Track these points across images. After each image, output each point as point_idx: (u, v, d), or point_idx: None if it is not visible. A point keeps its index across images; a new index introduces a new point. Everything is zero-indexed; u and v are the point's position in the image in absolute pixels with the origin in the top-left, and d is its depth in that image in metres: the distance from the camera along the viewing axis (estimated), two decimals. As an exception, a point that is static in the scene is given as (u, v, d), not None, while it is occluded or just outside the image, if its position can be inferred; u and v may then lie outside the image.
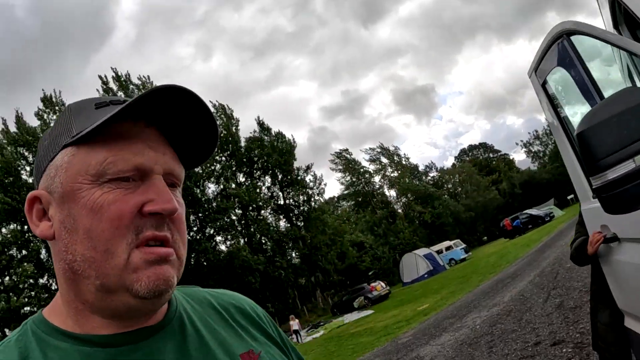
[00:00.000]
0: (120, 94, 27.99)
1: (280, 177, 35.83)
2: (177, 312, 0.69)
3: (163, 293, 0.59)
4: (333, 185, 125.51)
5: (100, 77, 28.55)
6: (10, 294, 21.15)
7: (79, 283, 0.59)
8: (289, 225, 35.47)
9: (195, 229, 30.35)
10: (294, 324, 20.44)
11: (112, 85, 28.44)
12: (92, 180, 0.59)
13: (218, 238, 32.30)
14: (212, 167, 31.96)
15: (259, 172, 35.55)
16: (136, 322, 0.62)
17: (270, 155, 34.44)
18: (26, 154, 24.98)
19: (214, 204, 31.04)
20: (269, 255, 32.42)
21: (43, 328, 0.61)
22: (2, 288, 21.38)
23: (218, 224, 31.01)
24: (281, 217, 36.08)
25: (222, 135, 31.97)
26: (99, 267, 0.57)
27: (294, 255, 35.65)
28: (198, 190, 30.16)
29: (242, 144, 34.12)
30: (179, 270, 0.63)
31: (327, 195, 50.56)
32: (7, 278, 22.04)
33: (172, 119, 0.63)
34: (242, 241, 32.55)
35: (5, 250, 22.32)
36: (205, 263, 29.22)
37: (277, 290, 31.74)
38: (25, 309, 21.46)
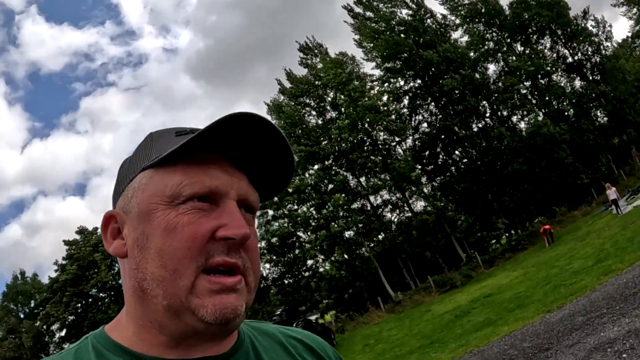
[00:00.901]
0: (369, 14, 31.84)
1: (559, 33, 33.12)
2: (244, 345, 0.72)
3: (230, 321, 0.61)
4: (621, 24, 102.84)
5: (344, 6, 31.64)
6: (331, 223, 26.69)
7: (148, 302, 0.62)
8: (584, 82, 32.95)
9: (487, 114, 31.50)
10: (611, 192, 18.97)
11: (358, 9, 31.99)
12: (168, 201, 0.62)
13: (514, 118, 32.47)
14: (485, 47, 32.64)
15: (535, 35, 33.42)
16: (202, 349, 0.65)
17: (539, 14, 32.06)
18: (307, 100, 30.30)
19: (500, 84, 31.20)
20: (571, 121, 30.97)
21: (103, 343, 0.65)
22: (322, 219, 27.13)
23: (509, 103, 30.88)
24: (574, 76, 33.62)
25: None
26: (166, 287, 0.61)
27: (598, 114, 33.32)
28: (477, 75, 30.96)
29: (507, 12, 32.90)
30: (248, 299, 0.65)
31: (617, 38, 42.62)
32: (324, 210, 27.53)
33: (247, 147, 0.66)
34: (540, 115, 31.88)
35: (319, 186, 28.16)
36: (504, 148, 29.65)
37: (588, 158, 30.29)
38: (347, 233, 27.25)
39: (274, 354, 0.75)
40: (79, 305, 29.80)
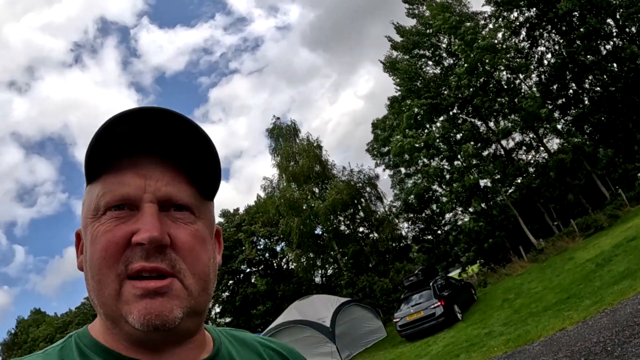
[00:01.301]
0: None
1: None
2: (221, 354, 0.74)
3: (159, 327, 0.61)
4: None
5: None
6: (465, 174, 26.28)
7: (97, 311, 0.66)
8: None
9: (614, 34, 28.70)
10: None
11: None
12: (93, 214, 0.65)
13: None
14: None
15: None
16: (173, 354, 0.67)
17: None
18: (421, 51, 29.46)
19: None
20: None
21: (85, 341, 0.67)
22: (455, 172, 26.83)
23: (637, 17, 27.61)
24: None
25: None
26: (98, 297, 0.63)
27: None
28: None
29: None
30: (190, 302, 0.64)
31: None
32: (456, 162, 27.16)
33: (167, 142, 0.66)
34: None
35: (447, 137, 27.58)
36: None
37: None
38: (482, 182, 26.72)
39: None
40: (230, 282, 31.18)
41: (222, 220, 33.56)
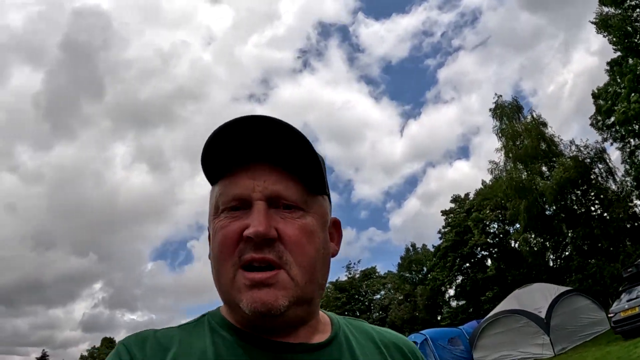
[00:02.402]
0: None
1: None
2: (339, 338, 0.80)
3: (265, 314, 0.69)
4: None
5: None
6: None
7: (220, 296, 0.77)
8: None
9: None
10: None
11: None
12: (214, 212, 0.76)
13: None
14: None
15: None
16: (285, 335, 0.76)
17: None
18: (634, 2, 25.76)
19: None
20: None
21: (216, 319, 0.78)
22: None
23: None
24: None
25: None
26: (218, 283, 0.75)
27: None
28: None
29: None
30: (296, 292, 0.71)
31: None
32: None
33: (273, 146, 0.73)
34: None
35: None
36: None
37: None
38: None
39: (367, 350, 0.83)
40: (463, 267, 32.04)
41: (453, 205, 34.56)
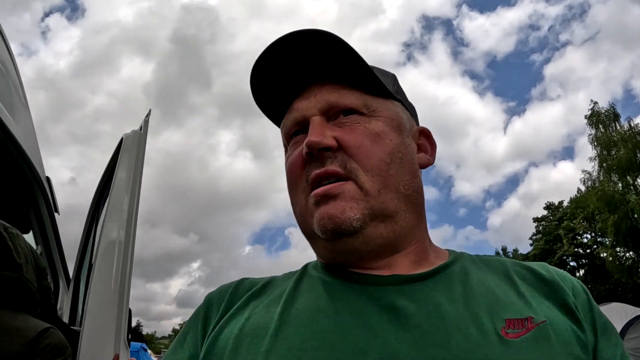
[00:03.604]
0: None
1: None
2: (450, 270, 0.67)
3: (336, 230, 0.62)
4: None
5: None
6: None
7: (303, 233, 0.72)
8: None
9: None
10: None
11: None
12: (285, 148, 0.74)
13: None
14: None
15: None
16: (376, 266, 0.66)
17: None
18: None
19: None
20: None
21: (312, 264, 0.74)
22: None
23: None
24: None
25: None
26: (297, 219, 0.70)
27: None
28: None
29: None
30: (368, 201, 0.63)
31: None
32: None
33: (314, 60, 0.68)
34: None
35: None
36: None
37: None
38: None
39: (488, 279, 0.66)
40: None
41: (545, 212, 34.04)
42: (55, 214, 2.60)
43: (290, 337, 0.58)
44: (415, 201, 0.68)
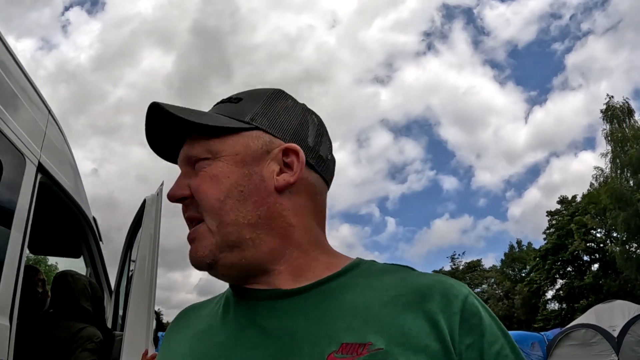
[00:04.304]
0: None
1: None
2: (328, 285, 0.71)
3: (198, 267, 0.72)
4: None
5: None
6: None
7: None
8: None
9: None
10: None
11: None
12: None
13: None
14: None
15: None
16: (260, 283, 0.73)
17: None
18: None
19: None
20: None
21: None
22: None
23: None
24: None
25: None
26: None
27: None
28: None
29: None
30: (214, 237, 0.70)
31: None
32: None
33: (174, 125, 0.74)
34: None
35: None
36: None
37: None
38: None
39: (363, 297, 0.67)
40: (564, 271, 31.79)
41: (559, 207, 34.31)
42: (100, 243, 3.49)
43: (183, 355, 0.72)
44: (269, 225, 0.71)
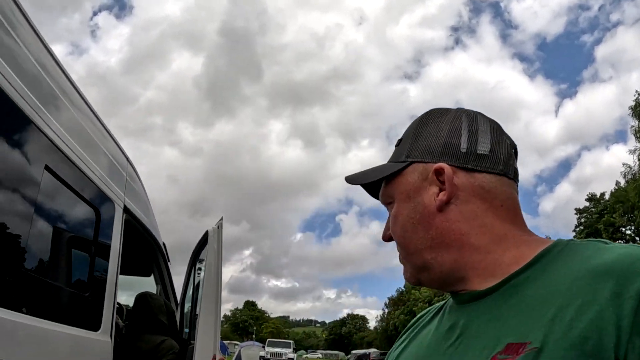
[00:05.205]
0: None
1: None
2: (513, 280, 0.70)
3: (411, 283, 0.86)
4: None
5: None
6: None
7: None
8: None
9: None
10: None
11: None
12: None
13: None
14: None
15: None
16: (464, 288, 0.78)
17: None
18: None
19: None
20: None
21: None
22: None
23: None
24: None
25: None
26: None
27: None
28: None
29: None
30: (412, 264, 0.82)
31: None
32: None
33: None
34: None
35: None
36: None
37: None
38: None
39: (546, 288, 0.65)
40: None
41: (587, 204, 33.99)
42: (168, 263, 4.14)
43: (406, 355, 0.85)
44: (443, 242, 0.77)
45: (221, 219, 3.22)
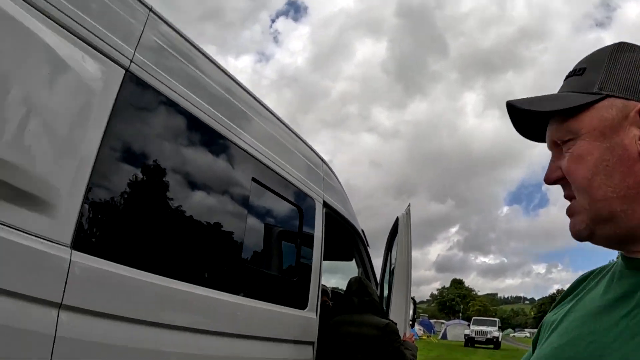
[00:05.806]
0: None
1: None
2: None
3: (580, 237, 0.74)
4: None
5: None
6: None
7: None
8: None
9: None
10: None
11: None
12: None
13: None
14: None
15: None
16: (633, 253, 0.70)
17: None
18: None
19: None
20: None
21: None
22: None
23: None
24: None
25: None
26: None
27: None
28: None
29: None
30: (588, 214, 0.72)
31: None
32: None
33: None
34: None
35: None
36: None
37: None
38: None
39: None
40: None
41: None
42: (368, 248, 4.52)
43: (558, 332, 0.75)
44: (633, 193, 0.68)
45: (409, 205, 3.44)
